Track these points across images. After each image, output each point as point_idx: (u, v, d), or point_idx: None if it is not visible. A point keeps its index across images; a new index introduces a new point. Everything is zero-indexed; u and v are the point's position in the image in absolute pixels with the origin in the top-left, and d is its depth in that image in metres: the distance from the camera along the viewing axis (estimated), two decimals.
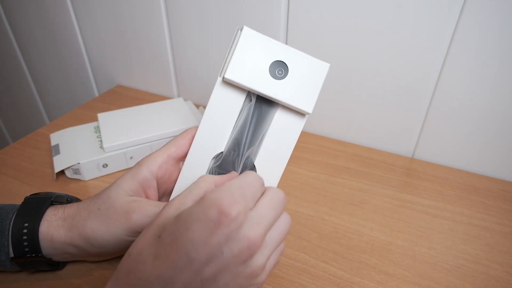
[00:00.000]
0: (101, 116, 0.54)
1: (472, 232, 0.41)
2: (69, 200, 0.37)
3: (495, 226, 0.42)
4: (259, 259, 0.24)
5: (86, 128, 0.54)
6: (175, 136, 0.35)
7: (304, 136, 0.58)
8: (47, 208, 0.34)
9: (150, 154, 0.34)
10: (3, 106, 1.08)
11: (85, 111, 0.66)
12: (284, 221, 0.27)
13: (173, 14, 0.60)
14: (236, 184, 0.25)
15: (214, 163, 0.33)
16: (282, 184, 0.33)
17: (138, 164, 0.34)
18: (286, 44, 0.54)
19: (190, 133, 0.34)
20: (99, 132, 0.52)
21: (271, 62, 0.30)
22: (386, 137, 0.54)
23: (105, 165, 0.49)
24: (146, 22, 0.64)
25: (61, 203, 0.35)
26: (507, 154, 0.48)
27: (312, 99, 0.31)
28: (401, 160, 0.53)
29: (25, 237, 0.32)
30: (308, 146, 0.55)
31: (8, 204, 0.34)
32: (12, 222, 0.32)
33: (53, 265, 0.35)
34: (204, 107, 0.65)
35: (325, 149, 0.55)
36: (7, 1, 0.80)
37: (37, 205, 0.34)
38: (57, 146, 0.50)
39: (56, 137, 0.52)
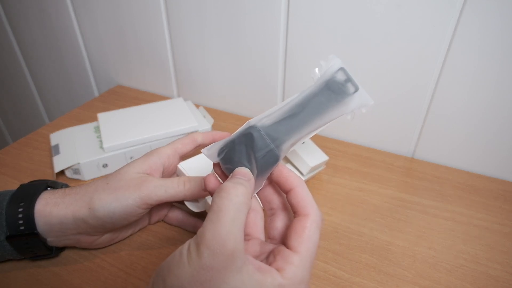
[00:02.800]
0: (101, 116, 0.54)
1: (472, 232, 0.41)
2: (63, 187, 0.38)
3: (495, 226, 0.42)
4: None
5: (86, 128, 0.54)
6: (181, 137, 0.40)
7: None
8: (43, 190, 0.34)
9: (158, 148, 0.38)
10: (3, 106, 1.08)
11: (85, 111, 0.66)
12: None
13: (173, 14, 0.60)
14: (307, 263, 0.24)
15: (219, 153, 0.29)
16: None
17: (149, 152, 0.37)
18: (286, 43, 0.54)
19: (194, 136, 0.39)
20: (99, 132, 0.52)
21: None
22: (386, 137, 0.54)
23: (105, 165, 0.49)
24: (146, 22, 0.64)
25: (56, 188, 0.36)
26: (507, 154, 0.48)
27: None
28: (401, 160, 0.53)
29: (20, 215, 0.32)
30: None
31: (4, 190, 0.35)
32: (7, 204, 0.33)
33: (49, 249, 0.35)
34: (204, 107, 0.65)
35: (325, 149, 0.54)
36: (7, 2, 0.80)
37: (33, 188, 0.34)
38: (57, 146, 0.50)
39: (56, 137, 0.52)
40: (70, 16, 0.71)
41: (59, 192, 0.34)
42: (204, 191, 0.33)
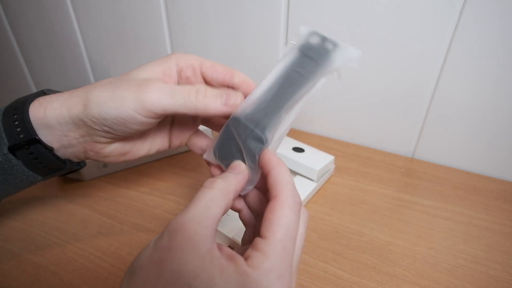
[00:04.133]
0: None
1: (472, 232, 0.41)
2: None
3: (495, 226, 0.42)
4: None
5: None
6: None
7: (304, 136, 0.58)
8: (38, 96, 0.30)
9: (182, 53, 0.31)
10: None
11: None
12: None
13: (173, 14, 0.60)
14: (283, 246, 0.21)
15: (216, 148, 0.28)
16: None
17: (168, 55, 0.31)
18: (286, 44, 0.54)
19: (236, 74, 0.32)
20: None
21: None
22: (386, 137, 0.54)
23: (105, 165, 0.48)
24: (146, 22, 0.64)
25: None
26: (507, 154, 0.48)
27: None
28: (401, 160, 0.53)
29: (16, 122, 0.28)
30: None
31: None
32: (2, 115, 0.29)
33: (62, 161, 0.31)
34: None
35: (325, 149, 0.54)
36: (7, 1, 0.80)
37: (27, 96, 0.30)
38: None
39: None
40: (70, 16, 0.71)
41: (55, 94, 0.30)
42: (222, 106, 0.28)
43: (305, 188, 0.44)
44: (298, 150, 0.47)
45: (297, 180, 0.45)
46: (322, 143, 0.56)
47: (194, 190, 0.47)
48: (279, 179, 0.24)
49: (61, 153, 0.30)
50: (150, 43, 0.66)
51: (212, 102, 0.27)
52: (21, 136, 0.28)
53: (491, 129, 0.47)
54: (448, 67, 0.46)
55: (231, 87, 0.31)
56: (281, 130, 0.28)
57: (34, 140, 0.28)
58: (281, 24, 0.52)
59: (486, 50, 0.43)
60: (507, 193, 0.47)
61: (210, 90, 0.28)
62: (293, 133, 0.59)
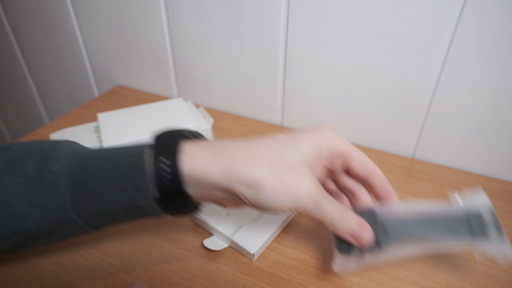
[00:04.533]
0: (101, 116, 0.54)
1: None
2: (196, 135, 0.33)
3: None
4: None
5: (86, 128, 0.54)
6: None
7: None
8: (181, 141, 0.30)
9: (333, 132, 0.31)
10: (3, 106, 1.08)
11: (85, 111, 0.66)
12: None
13: (173, 14, 0.60)
14: None
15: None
16: None
17: (322, 135, 0.31)
18: (286, 43, 0.54)
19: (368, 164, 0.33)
20: (99, 132, 0.52)
21: None
22: (386, 137, 0.54)
23: None
24: (146, 22, 0.64)
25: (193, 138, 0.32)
26: (507, 154, 0.48)
27: None
28: (401, 160, 0.53)
29: (168, 176, 0.28)
30: None
31: (134, 145, 0.30)
32: (149, 159, 0.28)
33: (194, 205, 0.31)
34: (204, 107, 0.65)
35: None
36: (7, 1, 0.80)
37: (170, 140, 0.30)
38: None
39: (56, 137, 0.52)
40: (70, 16, 0.72)
41: (205, 149, 0.29)
42: (350, 235, 0.30)
43: None
44: None
45: None
46: None
47: None
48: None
49: (197, 201, 0.31)
50: (150, 43, 0.66)
51: (345, 227, 0.30)
52: (170, 187, 0.28)
53: (491, 129, 0.47)
54: (448, 67, 0.46)
55: (368, 184, 0.33)
56: (397, 250, 0.31)
57: (183, 194, 0.29)
58: (281, 24, 0.52)
59: (486, 50, 0.43)
60: (507, 193, 0.47)
61: (351, 218, 0.30)
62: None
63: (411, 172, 0.50)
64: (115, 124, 0.52)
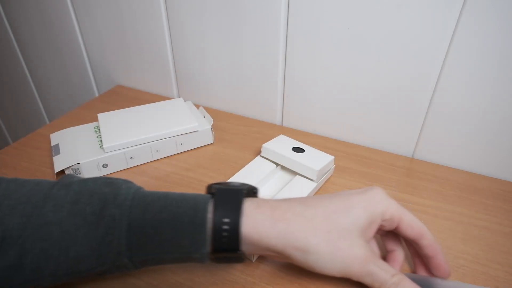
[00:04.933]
0: (101, 116, 0.54)
1: (472, 232, 0.41)
2: (255, 191, 0.34)
3: (495, 226, 0.42)
4: None
5: (86, 128, 0.54)
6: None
7: (304, 136, 0.58)
8: (243, 199, 0.30)
9: (386, 197, 0.33)
10: (3, 106, 1.08)
11: (85, 111, 0.66)
12: None
13: (173, 14, 0.60)
14: None
15: None
16: None
17: (375, 201, 0.32)
18: (286, 43, 0.54)
19: (425, 229, 0.34)
20: (99, 132, 0.52)
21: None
22: (386, 137, 0.54)
23: (105, 165, 0.49)
24: (146, 22, 0.64)
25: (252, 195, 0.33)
26: (507, 154, 0.48)
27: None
28: (401, 160, 0.53)
29: (225, 236, 0.29)
30: None
31: (195, 194, 0.31)
32: (210, 216, 0.29)
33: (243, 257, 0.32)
34: (204, 107, 0.65)
35: (325, 149, 0.54)
36: (7, 1, 0.80)
37: (232, 197, 0.31)
38: (57, 146, 0.50)
39: (56, 137, 0.52)
40: (70, 16, 0.72)
41: (266, 211, 0.30)
42: None
43: (305, 188, 0.44)
44: (298, 150, 0.47)
45: (297, 180, 0.45)
46: (322, 143, 0.56)
47: (194, 190, 0.47)
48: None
49: (251, 254, 0.34)
50: (150, 43, 0.66)
51: None
52: (225, 247, 0.29)
53: (491, 129, 0.47)
54: (448, 67, 0.46)
55: (417, 245, 0.34)
56: None
57: (235, 253, 0.30)
58: (281, 24, 0.52)
59: (486, 50, 0.43)
60: (507, 193, 0.47)
61: (402, 284, 0.30)
62: (293, 133, 0.59)
63: (411, 172, 0.50)
64: (115, 124, 0.52)
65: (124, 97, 0.71)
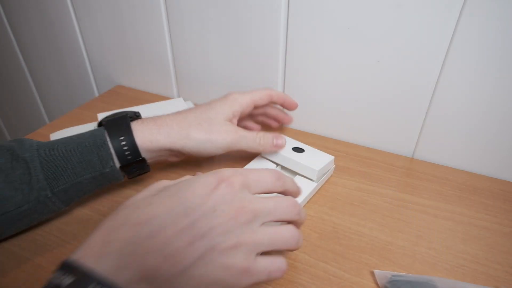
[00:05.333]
0: (101, 116, 0.54)
1: (472, 232, 0.41)
2: (138, 115, 0.46)
3: (495, 226, 0.42)
4: (246, 235, 0.25)
5: (86, 128, 0.53)
6: (257, 89, 0.47)
7: (304, 136, 0.58)
8: (129, 122, 0.39)
9: (240, 93, 0.45)
10: (3, 106, 1.08)
11: (85, 111, 0.66)
12: (286, 232, 0.28)
13: (173, 14, 0.60)
14: (249, 171, 0.29)
15: None
16: None
17: (233, 98, 0.44)
18: (286, 43, 0.54)
19: (270, 92, 0.48)
20: None
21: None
22: (386, 137, 0.54)
23: None
24: (146, 22, 0.64)
25: (136, 118, 0.42)
26: (507, 154, 0.48)
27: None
28: (401, 160, 0.53)
29: (125, 148, 0.37)
30: None
31: (86, 132, 0.39)
32: (108, 137, 0.37)
33: (148, 166, 0.41)
34: None
35: (325, 149, 0.54)
36: (7, 1, 0.80)
37: (120, 121, 0.39)
38: None
39: (56, 137, 0.52)
40: (70, 16, 0.72)
41: (149, 124, 0.40)
42: (273, 147, 0.44)
43: (305, 188, 0.44)
44: (298, 150, 0.47)
45: (297, 180, 0.45)
46: (322, 143, 0.56)
47: None
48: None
49: (150, 162, 0.41)
50: (150, 43, 0.66)
51: (267, 145, 0.44)
52: (129, 157, 0.38)
53: (491, 129, 0.47)
54: (448, 67, 0.46)
55: (273, 102, 0.50)
56: None
57: (140, 160, 0.39)
58: (281, 24, 0.52)
59: (486, 50, 0.43)
60: (507, 193, 0.47)
61: (266, 136, 0.44)
62: (293, 133, 0.59)
63: (411, 172, 0.50)
64: None
65: (124, 97, 0.71)
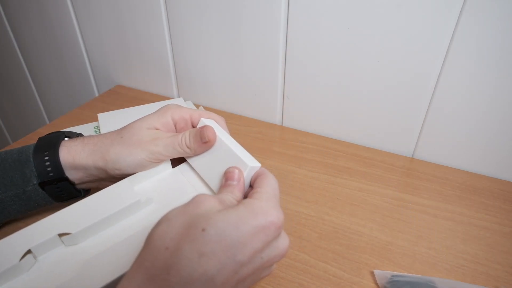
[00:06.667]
0: (101, 116, 0.54)
1: (472, 232, 0.41)
2: (78, 135, 0.41)
3: (495, 226, 0.42)
4: (266, 272, 0.28)
5: (86, 128, 0.54)
6: (202, 111, 0.40)
7: (304, 136, 0.58)
8: (62, 139, 0.37)
9: (175, 106, 0.39)
10: (3, 106, 1.08)
11: (85, 111, 0.66)
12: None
13: (173, 14, 0.60)
14: (272, 193, 0.29)
15: None
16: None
17: (164, 109, 0.38)
18: (286, 43, 0.54)
19: (212, 115, 0.40)
20: (99, 132, 0.52)
21: None
22: (386, 137, 0.54)
23: None
24: (146, 22, 0.64)
25: (71, 137, 0.39)
26: (507, 154, 0.48)
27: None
28: (401, 160, 0.53)
29: (47, 163, 0.35)
30: (308, 146, 0.55)
31: (24, 145, 0.37)
32: (33, 153, 0.36)
33: (78, 191, 0.38)
34: (204, 107, 0.65)
35: (325, 149, 0.55)
36: (7, 1, 0.80)
37: (52, 139, 0.37)
38: None
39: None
40: (70, 16, 0.72)
41: (77, 141, 0.37)
42: (203, 143, 0.35)
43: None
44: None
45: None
46: (322, 143, 0.56)
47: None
48: (263, 169, 0.33)
49: (80, 186, 0.38)
50: (150, 43, 0.66)
51: (195, 145, 0.36)
52: (51, 174, 0.35)
53: (491, 129, 0.47)
54: (447, 67, 0.46)
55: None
56: None
57: (63, 178, 0.36)
58: (281, 23, 0.52)
59: (486, 50, 0.43)
60: (507, 193, 0.47)
61: (192, 133, 0.36)
62: (293, 133, 0.59)
63: (411, 172, 0.50)
64: (115, 124, 0.52)
65: (124, 97, 0.71)
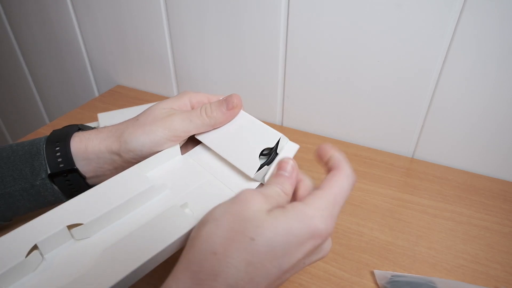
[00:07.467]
0: (101, 116, 0.54)
1: (472, 232, 0.41)
2: (92, 129, 0.39)
3: (495, 226, 0.42)
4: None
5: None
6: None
7: (304, 136, 0.58)
8: (75, 131, 0.36)
9: (191, 92, 0.37)
10: (3, 106, 1.08)
11: (85, 111, 0.66)
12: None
13: (173, 14, 0.60)
14: (334, 200, 0.27)
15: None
16: None
17: (182, 93, 0.37)
18: (286, 43, 0.54)
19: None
20: None
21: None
22: (386, 137, 0.54)
23: None
24: (146, 22, 0.64)
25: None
26: (507, 154, 0.48)
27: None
28: (401, 160, 0.53)
29: (58, 154, 0.34)
30: (309, 146, 0.55)
31: (37, 138, 0.36)
32: (45, 145, 0.34)
33: (89, 186, 0.36)
34: None
35: None
36: (7, 1, 0.80)
37: (66, 129, 0.36)
38: None
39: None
40: (70, 16, 0.72)
41: (91, 132, 0.36)
42: (227, 110, 0.34)
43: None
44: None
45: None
46: (322, 143, 0.56)
47: None
48: (342, 159, 0.30)
49: (92, 181, 0.36)
50: (150, 43, 0.66)
51: (218, 113, 0.34)
52: (61, 165, 0.34)
53: (491, 129, 0.47)
54: (448, 67, 0.46)
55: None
56: None
57: (73, 170, 0.34)
58: (281, 23, 0.52)
59: (486, 50, 0.43)
60: (507, 193, 0.47)
61: (213, 105, 0.34)
62: (293, 133, 0.59)
63: (411, 172, 0.50)
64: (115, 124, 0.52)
65: (124, 97, 0.71)
